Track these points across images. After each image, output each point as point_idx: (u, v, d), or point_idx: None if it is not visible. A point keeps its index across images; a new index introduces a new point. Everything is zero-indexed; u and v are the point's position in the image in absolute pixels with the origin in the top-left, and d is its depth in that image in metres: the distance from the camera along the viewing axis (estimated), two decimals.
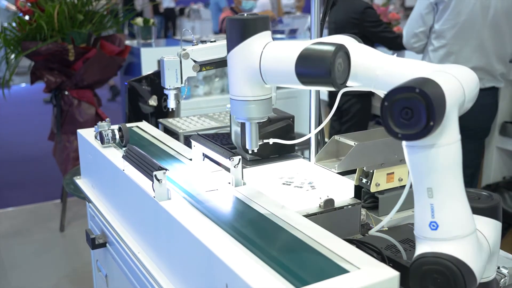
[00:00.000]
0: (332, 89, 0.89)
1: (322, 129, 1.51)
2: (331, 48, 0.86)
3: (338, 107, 3.64)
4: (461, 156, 0.86)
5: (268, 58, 0.94)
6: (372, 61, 0.96)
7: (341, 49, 0.88)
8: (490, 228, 0.95)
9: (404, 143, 0.86)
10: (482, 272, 0.90)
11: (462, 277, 0.83)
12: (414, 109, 0.78)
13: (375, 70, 0.95)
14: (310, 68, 0.88)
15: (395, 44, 3.46)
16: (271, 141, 1.21)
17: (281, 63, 0.92)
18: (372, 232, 1.11)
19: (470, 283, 0.84)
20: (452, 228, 0.86)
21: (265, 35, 0.97)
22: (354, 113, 3.50)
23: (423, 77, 0.82)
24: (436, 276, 0.85)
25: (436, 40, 2.80)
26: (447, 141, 0.83)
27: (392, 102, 0.81)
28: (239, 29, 0.96)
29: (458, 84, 0.86)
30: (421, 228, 0.88)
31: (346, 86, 0.96)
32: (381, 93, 0.96)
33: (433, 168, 0.84)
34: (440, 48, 2.78)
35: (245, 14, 0.97)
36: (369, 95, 3.52)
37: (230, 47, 0.98)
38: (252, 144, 1.06)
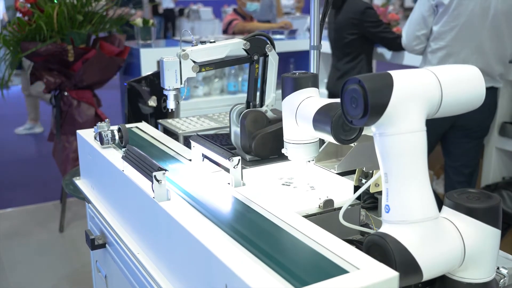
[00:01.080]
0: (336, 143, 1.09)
1: None
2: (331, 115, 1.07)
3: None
4: (422, 146, 0.91)
5: (301, 111, 1.17)
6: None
7: (341, 116, 1.03)
8: (476, 229, 0.94)
9: (373, 129, 0.94)
10: (437, 267, 0.92)
11: (394, 260, 0.88)
12: (357, 98, 0.89)
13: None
14: (319, 127, 1.12)
15: (395, 45, 3.46)
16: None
17: (306, 116, 1.15)
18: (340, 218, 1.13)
19: (407, 269, 0.88)
20: (400, 212, 0.91)
21: (310, 91, 1.20)
22: None
23: (380, 72, 0.91)
24: (378, 255, 0.90)
25: (434, 42, 2.80)
26: (399, 131, 0.89)
27: (344, 91, 0.93)
28: (290, 83, 1.20)
29: (433, 82, 0.92)
30: (381, 210, 0.96)
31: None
32: None
33: (387, 154, 0.92)
34: (439, 50, 2.78)
35: (297, 73, 1.20)
36: None
37: (283, 96, 1.22)
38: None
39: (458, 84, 0.95)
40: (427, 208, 0.92)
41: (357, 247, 1.05)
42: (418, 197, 0.91)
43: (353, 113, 0.91)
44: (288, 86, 1.19)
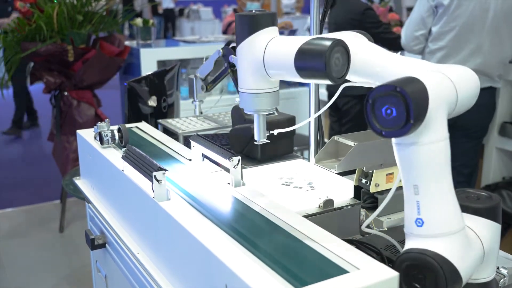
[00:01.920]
0: (329, 82, 0.91)
1: (322, 129, 1.51)
2: (328, 43, 0.89)
3: (338, 109, 3.65)
4: (448, 154, 0.87)
5: (271, 52, 0.98)
6: (373, 58, 0.97)
7: (338, 44, 0.90)
8: (486, 228, 0.95)
9: (393, 140, 0.88)
10: (470, 272, 0.90)
11: (443, 274, 0.84)
12: (394, 107, 0.81)
13: (375, 67, 0.96)
14: (307, 62, 0.92)
15: (395, 45, 3.46)
16: (276, 131, 1.23)
17: (281, 57, 0.95)
18: (363, 227, 1.12)
19: (453, 281, 0.85)
20: (437, 226, 0.87)
21: (271, 31, 1.00)
22: (354, 114, 3.51)
23: (408, 77, 0.84)
24: (418, 272, 0.86)
25: (433, 43, 2.80)
26: (431, 140, 0.84)
27: (374, 100, 0.84)
28: (247, 24, 1.00)
29: (450, 84, 0.87)
30: (408, 224, 0.90)
31: (347, 81, 0.98)
32: None
33: (418, 165, 0.86)
34: (438, 51, 2.78)
35: (254, 11, 1.01)
36: None
37: (238, 41, 1.02)
38: (260, 135, 1.09)
39: (465, 85, 0.92)
40: (459, 218, 0.88)
41: (357, 246, 1.05)
42: (452, 208, 0.87)
43: (389, 124, 0.83)
44: (246, 26, 1.01)
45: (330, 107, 4.09)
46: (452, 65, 0.94)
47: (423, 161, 0.85)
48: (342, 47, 0.91)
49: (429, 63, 0.94)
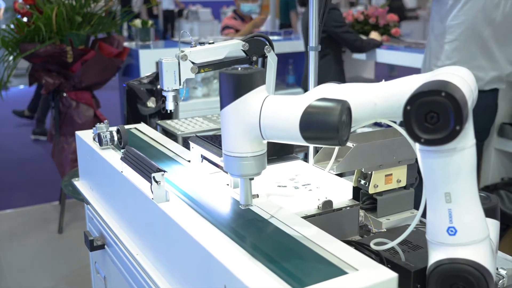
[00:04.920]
0: (336, 146, 0.87)
1: None
2: (337, 105, 0.84)
3: None
4: (476, 159, 0.84)
5: (269, 115, 0.91)
6: (365, 95, 0.93)
7: (345, 105, 0.85)
8: (492, 228, 0.95)
9: (419, 147, 0.84)
10: (494, 272, 0.90)
11: (485, 281, 0.83)
12: (440, 113, 0.76)
13: (372, 100, 0.92)
14: (316, 127, 0.86)
15: (355, 46, 3.74)
16: None
17: (284, 121, 0.89)
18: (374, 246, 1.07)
19: (491, 285, 0.84)
20: (470, 233, 0.84)
21: (262, 90, 0.94)
22: None
23: (442, 80, 0.79)
24: (458, 282, 0.84)
25: (448, 33, 2.78)
26: (466, 145, 0.82)
27: (416, 107, 0.78)
28: (234, 84, 0.92)
29: (467, 85, 0.85)
30: (437, 233, 0.86)
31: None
32: (387, 120, 0.95)
33: (453, 172, 0.82)
34: (451, 43, 2.77)
35: (239, 68, 0.94)
36: None
37: (224, 102, 0.94)
38: (246, 199, 1.02)
39: (473, 87, 0.90)
40: (486, 223, 0.87)
41: (356, 248, 1.05)
42: (482, 214, 0.86)
43: (432, 130, 0.78)
44: (234, 87, 0.92)
45: None
46: (453, 67, 0.91)
47: (457, 168, 0.82)
48: (347, 108, 0.87)
49: (420, 75, 0.91)
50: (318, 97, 0.87)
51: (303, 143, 0.89)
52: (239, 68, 0.94)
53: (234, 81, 0.92)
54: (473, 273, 0.83)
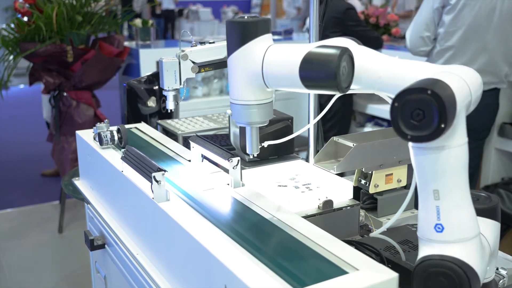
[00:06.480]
0: (336, 93, 0.88)
1: (322, 130, 1.51)
2: (336, 51, 0.86)
3: (320, 105, 3.69)
4: (467, 158, 0.85)
5: (271, 61, 0.93)
6: (375, 64, 0.95)
7: (346, 52, 0.87)
8: (490, 229, 0.95)
9: (411, 144, 0.85)
10: (485, 274, 0.90)
11: (467, 279, 0.83)
12: (426, 110, 0.77)
13: (378, 72, 0.93)
14: (315, 71, 0.88)
15: (374, 43, 3.69)
16: (266, 143, 1.21)
17: (284, 67, 0.91)
18: (373, 234, 1.11)
19: (474, 285, 0.84)
20: (458, 231, 0.85)
21: (266, 38, 0.96)
22: (336, 111, 3.64)
23: (433, 78, 0.81)
24: (441, 278, 0.84)
25: (440, 44, 2.80)
26: (456, 143, 0.82)
27: (403, 103, 0.80)
28: (240, 32, 0.94)
29: (465, 85, 0.85)
30: (425, 230, 0.88)
31: (350, 89, 0.95)
32: (385, 95, 0.96)
33: (441, 170, 0.83)
34: (445, 51, 2.78)
35: (246, 17, 0.96)
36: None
37: (230, 50, 0.97)
38: (253, 148, 1.05)
39: (475, 86, 0.90)
40: (476, 222, 0.88)
41: (356, 247, 1.05)
42: (471, 212, 0.87)
43: (417, 128, 0.79)
44: (240, 34, 0.95)
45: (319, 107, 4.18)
46: (458, 65, 0.92)
47: (446, 166, 0.83)
48: (348, 56, 0.89)
49: (431, 64, 0.92)
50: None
51: (303, 89, 0.90)
52: (246, 17, 0.96)
53: (239, 29, 0.94)
54: (456, 271, 0.83)
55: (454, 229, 0.85)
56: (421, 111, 0.78)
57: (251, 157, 1.07)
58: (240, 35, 0.94)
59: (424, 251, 0.88)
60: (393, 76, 0.92)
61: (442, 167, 0.83)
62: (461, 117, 0.82)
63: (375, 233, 1.08)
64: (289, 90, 0.96)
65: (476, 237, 0.86)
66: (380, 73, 0.93)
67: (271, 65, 0.93)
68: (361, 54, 0.96)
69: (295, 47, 0.92)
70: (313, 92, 0.97)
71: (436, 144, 0.82)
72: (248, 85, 0.97)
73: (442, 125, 0.77)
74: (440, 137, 0.79)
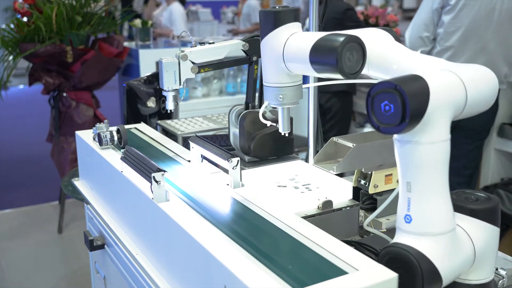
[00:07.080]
0: (342, 77, 0.94)
1: (321, 130, 1.51)
2: (341, 38, 0.92)
3: (320, 105, 3.72)
4: (447, 156, 0.87)
5: (290, 47, 1.02)
6: (393, 55, 0.98)
7: (351, 41, 0.92)
8: (481, 230, 0.94)
9: (394, 135, 0.88)
10: (454, 273, 0.90)
11: (421, 273, 0.85)
12: (392, 104, 0.82)
13: (392, 64, 0.97)
14: (320, 57, 0.96)
15: None
16: (268, 123, 1.24)
17: (298, 52, 0.99)
18: (364, 225, 1.13)
19: (431, 281, 0.86)
20: (424, 224, 0.88)
21: (293, 26, 1.04)
22: (335, 111, 3.64)
23: (412, 75, 0.84)
24: (398, 267, 0.86)
25: (440, 43, 2.80)
26: (429, 140, 0.84)
27: (374, 96, 0.85)
28: (270, 20, 1.05)
29: (459, 85, 0.87)
30: (399, 219, 0.91)
31: (373, 77, 1.00)
32: None
33: (414, 163, 0.86)
34: (445, 51, 2.78)
35: (277, 7, 1.06)
36: (349, 92, 3.68)
37: (262, 36, 1.08)
38: (285, 127, 1.16)
39: (478, 86, 0.90)
40: (449, 219, 0.89)
41: (356, 248, 1.05)
42: (443, 209, 0.88)
43: (386, 120, 0.83)
44: (269, 22, 1.05)
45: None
46: (471, 64, 0.93)
47: (418, 160, 0.86)
48: (356, 44, 0.93)
49: (448, 62, 0.93)
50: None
51: (313, 72, 0.99)
52: (277, 7, 1.06)
53: (266, 18, 1.06)
54: (410, 261, 0.86)
55: (422, 222, 0.88)
56: (390, 104, 0.82)
57: (283, 133, 1.15)
58: (270, 22, 1.05)
59: (395, 238, 0.92)
60: (403, 69, 0.95)
61: (414, 161, 0.86)
62: (439, 115, 0.84)
63: (366, 221, 1.12)
64: (305, 74, 1.06)
65: (446, 233, 0.88)
66: (394, 65, 0.97)
67: (289, 50, 1.02)
68: (384, 44, 1.01)
69: (313, 34, 0.99)
70: (323, 76, 1.03)
71: (408, 138, 0.85)
72: (275, 69, 1.06)
73: (406, 120, 0.81)
74: (409, 132, 0.83)
